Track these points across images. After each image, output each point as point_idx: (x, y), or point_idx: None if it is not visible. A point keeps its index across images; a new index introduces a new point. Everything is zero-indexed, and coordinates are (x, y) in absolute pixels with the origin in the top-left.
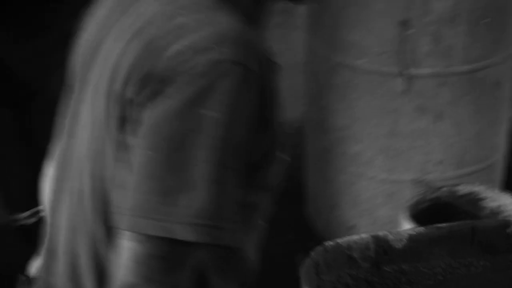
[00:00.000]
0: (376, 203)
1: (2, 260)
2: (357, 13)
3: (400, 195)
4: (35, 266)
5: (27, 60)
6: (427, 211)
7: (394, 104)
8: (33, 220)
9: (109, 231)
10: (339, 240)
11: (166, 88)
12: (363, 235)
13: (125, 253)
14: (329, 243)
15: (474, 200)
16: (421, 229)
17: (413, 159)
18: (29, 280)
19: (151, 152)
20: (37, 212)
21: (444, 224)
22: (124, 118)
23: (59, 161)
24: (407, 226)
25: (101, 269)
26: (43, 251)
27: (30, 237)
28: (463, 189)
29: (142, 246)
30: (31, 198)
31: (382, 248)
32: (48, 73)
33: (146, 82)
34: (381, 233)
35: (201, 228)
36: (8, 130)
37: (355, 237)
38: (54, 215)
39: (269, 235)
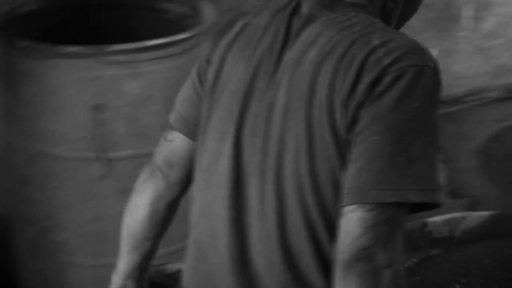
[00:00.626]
0: None
1: None
2: (51, 100)
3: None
4: None
5: None
6: None
7: (96, 189)
8: None
9: (327, 218)
10: None
11: (380, 89)
12: None
13: (354, 223)
14: None
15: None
16: None
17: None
18: None
19: (375, 138)
20: None
21: None
22: (354, 119)
23: (231, 178)
24: None
25: (323, 253)
26: (231, 262)
27: None
28: (171, 268)
29: (371, 214)
30: None
31: None
32: None
33: (367, 88)
34: None
35: (429, 191)
36: None
37: None
38: (238, 225)
39: None
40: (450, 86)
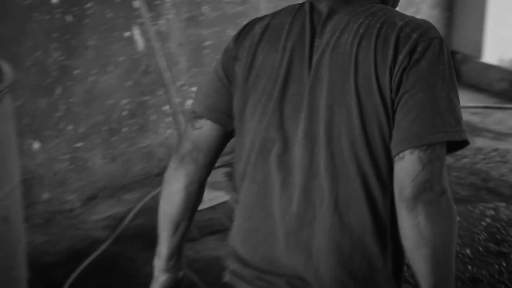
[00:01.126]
0: None
1: None
2: None
3: None
4: None
5: None
6: None
7: None
8: None
9: (377, 167)
10: None
11: (417, 57)
12: None
13: (413, 163)
14: None
15: None
16: None
17: None
18: None
19: (421, 94)
20: None
21: None
22: (400, 82)
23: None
24: None
25: (374, 199)
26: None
27: None
28: None
29: (426, 153)
30: None
31: None
32: None
33: (407, 57)
34: None
35: (463, 132)
36: None
37: None
38: (285, 186)
39: None
40: None
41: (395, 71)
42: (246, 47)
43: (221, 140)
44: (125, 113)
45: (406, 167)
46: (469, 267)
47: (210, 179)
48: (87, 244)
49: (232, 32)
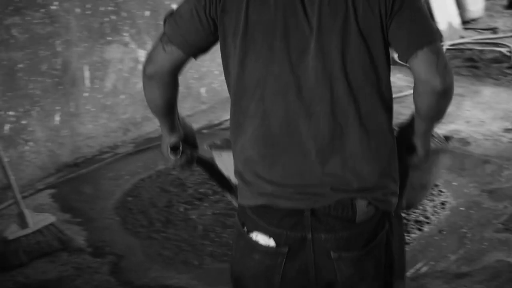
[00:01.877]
0: None
1: None
2: None
3: None
4: None
5: None
6: None
7: None
8: None
9: (386, 80)
10: None
11: None
12: None
13: (431, 55)
14: None
15: None
16: None
17: None
18: None
19: (408, 10)
20: None
21: None
22: (392, 8)
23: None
24: None
25: (386, 101)
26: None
27: None
28: None
29: (434, 45)
30: None
31: None
32: None
33: None
34: None
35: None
36: None
37: None
38: (334, 111)
39: None
40: (81, 147)
41: (387, 2)
42: (234, 1)
43: (184, 63)
44: None
45: (424, 59)
46: None
47: (33, 202)
48: None
49: (44, 53)
